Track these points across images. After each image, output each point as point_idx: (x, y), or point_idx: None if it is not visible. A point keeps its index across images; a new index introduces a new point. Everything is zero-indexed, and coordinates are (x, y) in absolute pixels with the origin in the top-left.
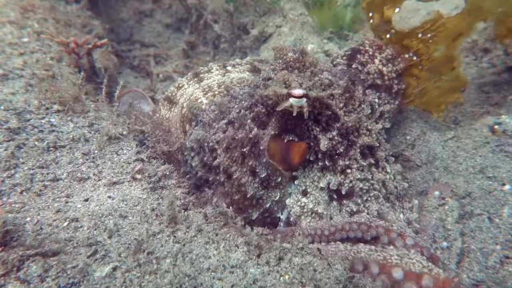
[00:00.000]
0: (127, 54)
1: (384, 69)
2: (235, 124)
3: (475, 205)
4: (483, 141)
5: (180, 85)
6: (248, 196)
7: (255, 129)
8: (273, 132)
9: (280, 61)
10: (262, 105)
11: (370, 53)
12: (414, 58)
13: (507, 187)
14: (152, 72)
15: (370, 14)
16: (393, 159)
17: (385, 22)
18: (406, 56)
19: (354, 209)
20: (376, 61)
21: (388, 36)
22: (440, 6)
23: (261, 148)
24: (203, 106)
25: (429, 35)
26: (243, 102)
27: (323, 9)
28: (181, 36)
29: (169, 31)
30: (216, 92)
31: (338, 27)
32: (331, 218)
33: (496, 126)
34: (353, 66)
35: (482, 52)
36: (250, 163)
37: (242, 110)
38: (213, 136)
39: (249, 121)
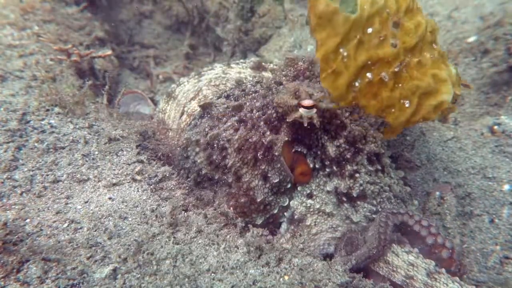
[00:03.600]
0: (126, 56)
1: None
2: (248, 124)
3: (474, 205)
4: (482, 141)
5: (181, 83)
6: (258, 201)
7: (268, 132)
8: (286, 138)
9: (292, 68)
10: (273, 109)
11: None
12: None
13: (506, 187)
14: (152, 73)
15: None
16: (394, 165)
17: None
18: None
19: (374, 209)
20: None
21: None
22: None
23: (276, 154)
24: (210, 98)
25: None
26: (255, 101)
27: None
28: (180, 37)
29: (169, 33)
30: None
31: None
32: (346, 218)
33: (495, 127)
34: None
35: (481, 53)
36: (262, 167)
37: (254, 110)
38: (223, 134)
39: (262, 123)
